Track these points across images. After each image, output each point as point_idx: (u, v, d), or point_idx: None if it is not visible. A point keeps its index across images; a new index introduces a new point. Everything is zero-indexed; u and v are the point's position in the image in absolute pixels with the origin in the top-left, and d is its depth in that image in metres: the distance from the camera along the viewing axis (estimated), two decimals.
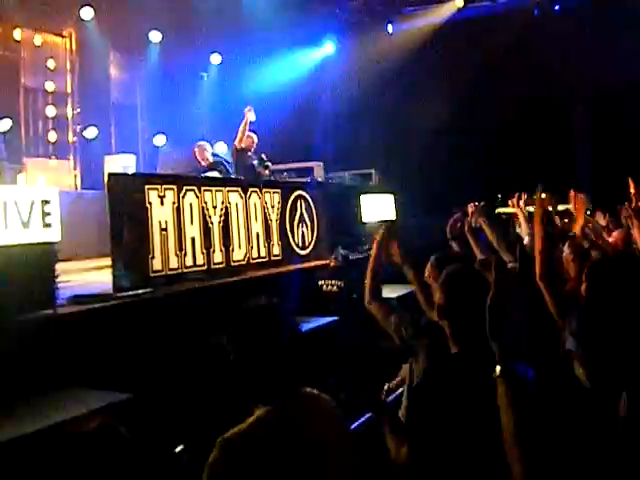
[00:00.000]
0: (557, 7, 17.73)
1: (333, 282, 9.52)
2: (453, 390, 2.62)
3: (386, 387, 5.08)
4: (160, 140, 16.59)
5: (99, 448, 2.26)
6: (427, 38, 18.64)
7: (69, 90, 16.05)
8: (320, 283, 9.66)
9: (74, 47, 16.29)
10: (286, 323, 2.62)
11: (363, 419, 3.73)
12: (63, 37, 16.18)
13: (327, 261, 10.21)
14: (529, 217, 7.45)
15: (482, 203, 6.18)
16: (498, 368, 1.95)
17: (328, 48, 20.05)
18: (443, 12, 18.90)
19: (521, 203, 7.19)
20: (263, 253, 9.52)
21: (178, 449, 3.35)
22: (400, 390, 4.75)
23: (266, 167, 11.88)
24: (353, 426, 3.34)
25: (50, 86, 15.59)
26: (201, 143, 11.97)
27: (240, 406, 2.61)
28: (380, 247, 4.23)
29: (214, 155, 12.24)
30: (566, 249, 5.08)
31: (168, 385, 6.08)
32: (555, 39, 16.66)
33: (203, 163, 11.51)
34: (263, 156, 12.07)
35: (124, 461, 2.31)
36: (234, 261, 8.80)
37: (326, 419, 2.63)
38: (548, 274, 3.98)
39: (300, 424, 2.51)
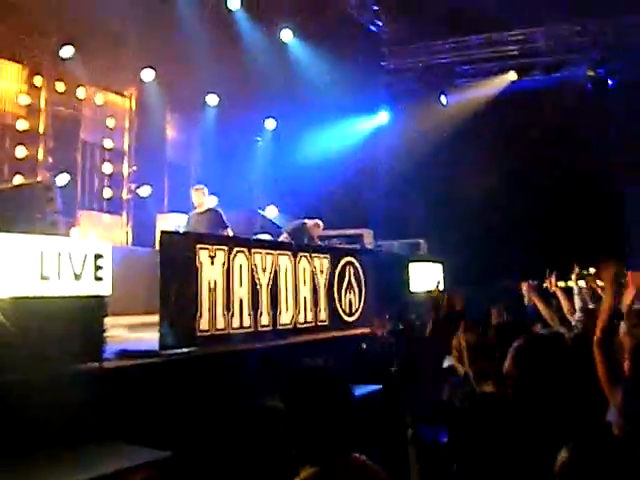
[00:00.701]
0: (610, 82, 17.72)
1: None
2: None
3: None
4: (212, 201, 16.75)
5: None
6: (480, 110, 18.74)
7: (126, 148, 16.37)
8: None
9: (134, 107, 16.66)
10: (340, 385, 2.57)
11: None
12: (124, 97, 16.58)
13: (374, 329, 10.11)
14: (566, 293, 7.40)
15: (535, 282, 6.12)
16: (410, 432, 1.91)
17: (382, 117, 20.24)
18: (497, 84, 19.01)
19: (554, 281, 7.14)
20: (310, 318, 9.46)
21: None
22: None
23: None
24: None
25: (108, 143, 15.94)
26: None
27: (287, 466, 2.56)
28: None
29: (265, 218, 12.38)
30: (624, 322, 4.98)
31: (208, 444, 6.01)
32: (608, 113, 16.62)
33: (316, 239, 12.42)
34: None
35: None
36: (281, 324, 8.75)
37: None
38: (607, 341, 3.91)
39: None
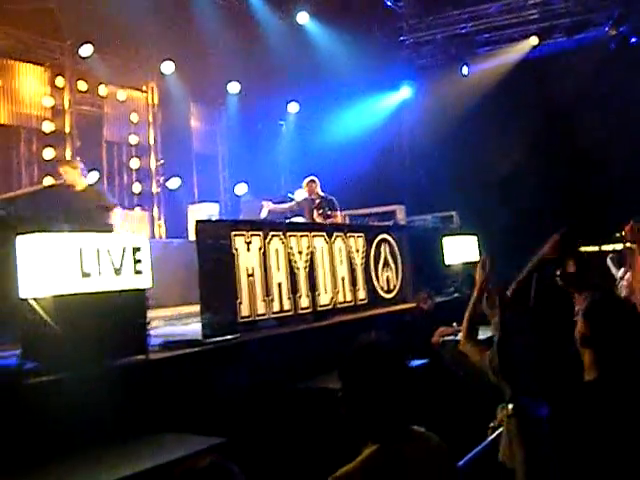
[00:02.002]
0: (633, 39, 17.41)
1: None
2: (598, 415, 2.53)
3: (491, 425, 4.88)
4: (241, 189, 16.78)
5: None
6: (502, 77, 18.50)
7: (152, 142, 16.41)
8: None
9: (156, 101, 16.70)
10: (399, 358, 2.54)
11: (470, 457, 3.59)
12: (145, 92, 16.60)
13: (413, 304, 10.08)
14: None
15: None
16: (510, 406, 1.81)
17: (405, 92, 20.07)
18: (518, 51, 18.75)
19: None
20: (349, 297, 9.44)
21: None
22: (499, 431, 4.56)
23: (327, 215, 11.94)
24: (460, 463, 3.21)
25: (133, 139, 15.99)
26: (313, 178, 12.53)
27: (348, 445, 2.53)
28: (481, 285, 4.12)
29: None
30: None
31: (260, 429, 6.02)
32: (634, 71, 16.32)
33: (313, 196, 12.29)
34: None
35: None
36: (320, 306, 8.74)
37: (435, 458, 2.53)
38: None
39: (409, 463, 2.42)
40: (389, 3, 17.97)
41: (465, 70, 19.25)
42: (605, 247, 10.19)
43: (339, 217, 12.20)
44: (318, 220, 11.51)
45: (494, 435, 4.35)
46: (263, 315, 7.75)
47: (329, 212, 11.81)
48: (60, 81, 14.79)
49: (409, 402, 2.50)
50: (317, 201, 12.06)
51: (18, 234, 5.27)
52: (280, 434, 6.16)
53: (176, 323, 9.01)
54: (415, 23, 19.31)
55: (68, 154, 14.56)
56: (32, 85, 14.33)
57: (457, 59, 19.38)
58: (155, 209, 15.97)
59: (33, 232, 5.20)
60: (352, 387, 2.48)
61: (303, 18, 17.61)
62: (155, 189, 16.07)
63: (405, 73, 19.94)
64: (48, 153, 14.23)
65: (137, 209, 15.44)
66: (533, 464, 1.60)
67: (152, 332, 6.44)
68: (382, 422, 2.43)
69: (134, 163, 15.96)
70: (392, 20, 18.98)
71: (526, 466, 1.61)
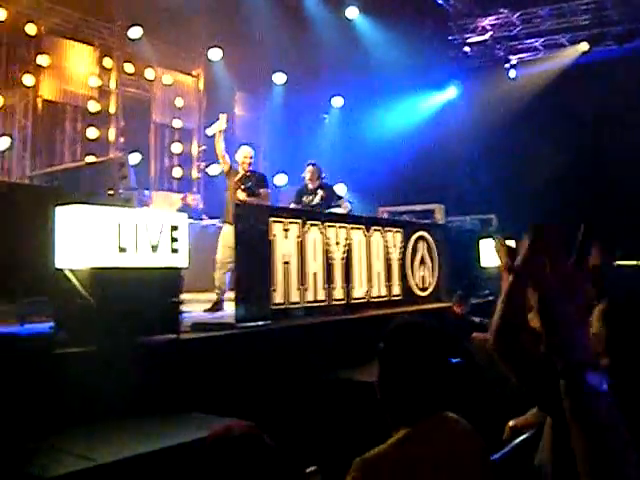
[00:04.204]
0: None
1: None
2: None
3: (511, 424, 4.76)
4: (281, 179, 16.75)
5: (246, 453, 2.17)
6: (549, 82, 18.29)
7: (195, 127, 16.45)
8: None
9: (202, 87, 16.74)
10: (439, 339, 2.47)
11: (506, 450, 3.50)
12: (192, 76, 16.65)
13: (447, 304, 9.98)
14: None
15: None
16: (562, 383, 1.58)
17: (451, 92, 19.95)
18: (567, 56, 18.53)
19: None
20: (383, 292, 9.37)
21: (310, 469, 3.22)
22: (528, 434, 4.44)
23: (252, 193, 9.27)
24: (495, 457, 3.12)
25: (177, 123, 16.07)
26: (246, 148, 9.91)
27: (378, 427, 2.48)
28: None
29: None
30: None
31: (286, 416, 5.97)
32: None
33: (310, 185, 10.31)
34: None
35: (271, 468, 2.21)
36: (354, 299, 8.68)
37: (467, 444, 2.46)
38: None
39: (440, 447, 2.36)
40: (440, 1, 17.83)
41: (512, 73, 19.10)
42: None
43: (342, 206, 10.29)
44: (241, 197, 8.98)
45: (523, 437, 4.25)
46: (296, 303, 7.72)
47: (255, 190, 9.17)
48: (108, 62, 14.91)
49: (446, 387, 2.44)
50: (240, 174, 9.35)
51: (57, 205, 5.27)
52: (306, 421, 6.12)
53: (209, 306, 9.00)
54: (464, 23, 19.16)
55: (112, 135, 14.66)
56: (80, 64, 14.45)
57: (505, 61, 19.23)
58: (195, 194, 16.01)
59: (72, 204, 5.20)
60: (389, 367, 2.42)
61: (352, 13, 17.57)
62: (195, 174, 16.11)
63: (452, 73, 19.82)
64: (92, 132, 14.33)
65: (176, 193, 15.48)
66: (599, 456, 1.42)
67: (186, 314, 6.44)
68: (417, 405, 2.37)
69: (176, 147, 16.03)
70: (441, 19, 18.83)
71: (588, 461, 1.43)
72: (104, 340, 5.10)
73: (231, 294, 7.47)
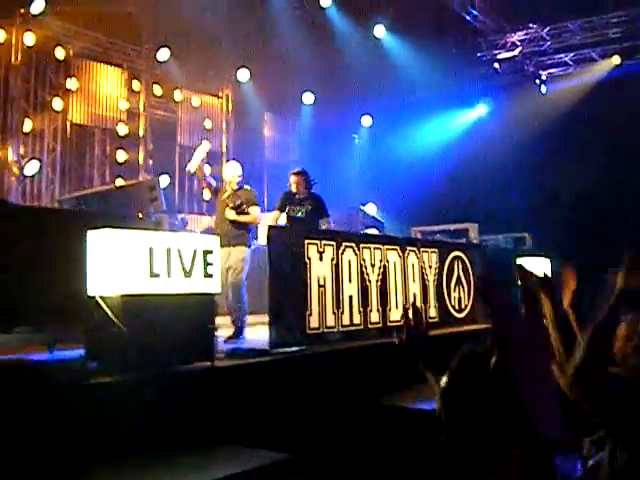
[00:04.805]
0: None
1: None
2: None
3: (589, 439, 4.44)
4: None
5: None
6: (581, 97, 18.02)
7: (224, 149, 16.40)
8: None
9: (230, 108, 16.68)
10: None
11: None
12: (219, 98, 16.62)
13: (484, 325, 9.74)
14: None
15: None
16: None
17: (481, 109, 19.73)
18: (599, 70, 18.28)
19: None
20: None
21: None
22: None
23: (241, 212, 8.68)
24: None
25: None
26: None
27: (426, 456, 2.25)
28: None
29: (367, 215, 12.00)
30: None
31: (326, 446, 5.76)
32: None
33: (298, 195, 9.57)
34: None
35: None
36: (391, 321, 8.45)
37: None
38: None
39: None
40: (468, 18, 17.65)
41: (543, 89, 18.88)
42: None
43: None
44: (230, 216, 8.48)
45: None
46: (332, 327, 7.50)
47: (245, 207, 8.59)
48: (136, 85, 14.90)
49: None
50: (228, 192, 8.83)
51: (89, 229, 5.12)
52: (347, 452, 5.89)
53: (245, 331, 8.81)
54: (493, 39, 18.98)
55: (141, 157, 14.61)
56: (109, 87, 14.45)
57: (535, 77, 19.02)
58: None
59: (103, 227, 5.04)
60: (456, 409, 2.14)
61: (380, 31, 17.45)
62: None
63: (482, 90, 19.62)
64: (121, 155, 14.29)
65: (206, 215, 15.37)
66: None
67: (220, 339, 6.25)
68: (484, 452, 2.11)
69: (206, 169, 15.89)
70: (470, 36, 18.67)
71: None
72: (136, 370, 4.93)
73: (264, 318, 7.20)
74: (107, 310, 4.97)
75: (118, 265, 4.95)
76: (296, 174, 9.67)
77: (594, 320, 2.80)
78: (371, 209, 16.00)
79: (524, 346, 1.43)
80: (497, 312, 1.71)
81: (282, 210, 9.60)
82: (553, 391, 1.53)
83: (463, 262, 10.44)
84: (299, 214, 9.41)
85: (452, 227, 14.53)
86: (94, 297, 5.05)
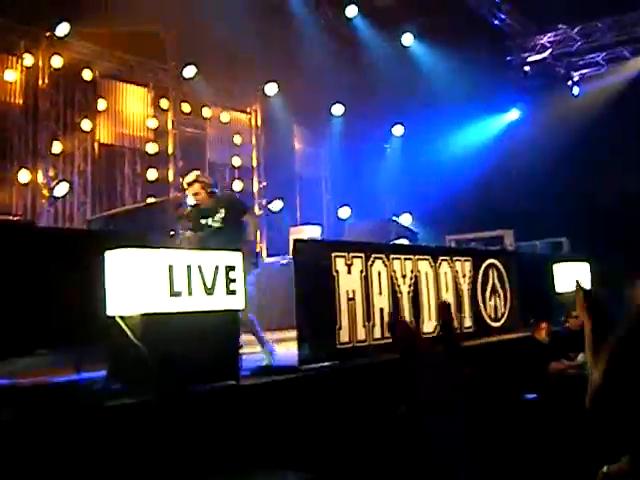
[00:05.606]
0: None
1: None
2: None
3: (605, 470, 4.26)
4: (345, 212, 16.50)
5: None
6: (614, 97, 17.71)
7: (254, 164, 16.38)
8: None
9: (259, 122, 16.67)
10: None
11: None
12: (248, 113, 16.61)
13: (522, 334, 9.52)
14: None
15: None
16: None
17: (513, 114, 19.47)
18: (630, 68, 17.99)
19: None
20: (454, 325, 8.92)
21: None
22: None
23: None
24: None
25: (236, 161, 16.01)
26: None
27: None
28: None
29: (399, 225, 11.83)
30: None
31: (354, 465, 5.60)
32: None
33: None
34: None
35: None
36: (424, 333, 8.26)
37: None
38: None
39: None
40: (496, 22, 17.46)
41: (576, 90, 18.59)
42: None
43: None
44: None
45: None
46: (363, 342, 7.33)
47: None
48: (164, 103, 14.92)
49: None
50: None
51: (107, 249, 5.03)
52: (382, 471, 5.72)
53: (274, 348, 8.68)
54: (522, 42, 18.75)
55: (171, 175, 14.60)
56: (136, 106, 14.51)
57: (567, 79, 18.74)
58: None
59: (122, 247, 4.94)
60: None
61: (408, 40, 17.32)
62: (257, 211, 15.94)
63: (513, 94, 19.36)
64: (151, 174, 14.30)
65: None
66: None
67: (244, 357, 6.11)
68: None
69: (237, 185, 15.91)
70: (498, 40, 18.47)
71: None
72: (159, 390, 4.81)
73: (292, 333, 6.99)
74: (127, 330, 4.88)
75: (137, 284, 4.85)
76: (190, 184, 7.69)
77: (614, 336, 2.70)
78: (406, 219, 15.83)
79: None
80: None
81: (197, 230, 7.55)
82: None
83: (498, 270, 10.23)
84: (216, 224, 7.45)
85: (487, 234, 14.31)
86: (114, 317, 4.96)
